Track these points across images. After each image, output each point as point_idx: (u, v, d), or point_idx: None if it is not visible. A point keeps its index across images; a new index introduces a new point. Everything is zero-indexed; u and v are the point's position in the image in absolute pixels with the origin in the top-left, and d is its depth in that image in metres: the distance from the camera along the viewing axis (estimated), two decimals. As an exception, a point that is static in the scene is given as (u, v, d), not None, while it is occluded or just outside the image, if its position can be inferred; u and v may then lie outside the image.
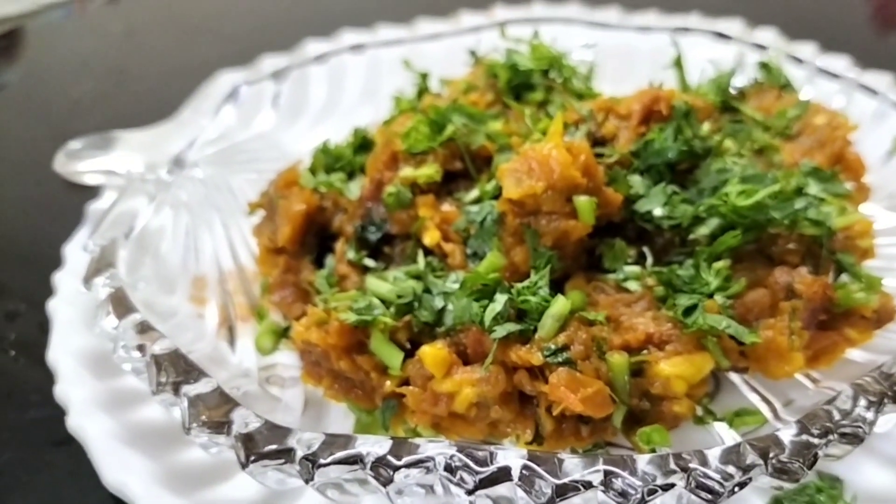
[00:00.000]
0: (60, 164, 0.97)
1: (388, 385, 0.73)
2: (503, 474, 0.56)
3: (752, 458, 0.56)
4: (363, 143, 0.96)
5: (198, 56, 1.68)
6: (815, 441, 0.57)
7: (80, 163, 0.97)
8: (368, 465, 0.57)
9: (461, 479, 0.56)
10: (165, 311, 0.80)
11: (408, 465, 0.56)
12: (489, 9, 1.31)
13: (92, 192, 1.05)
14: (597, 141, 0.87)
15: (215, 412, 0.62)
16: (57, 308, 0.89)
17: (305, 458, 0.58)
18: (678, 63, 1.03)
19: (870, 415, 0.59)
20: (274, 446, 0.59)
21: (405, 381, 0.73)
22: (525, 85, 0.99)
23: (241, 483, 0.71)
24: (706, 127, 0.88)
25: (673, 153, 0.82)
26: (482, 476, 0.55)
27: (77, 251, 0.95)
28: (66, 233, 1.01)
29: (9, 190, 1.32)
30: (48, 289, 0.93)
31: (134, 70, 1.69)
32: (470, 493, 0.56)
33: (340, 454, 0.57)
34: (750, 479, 0.55)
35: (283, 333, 0.87)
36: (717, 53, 1.14)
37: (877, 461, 0.71)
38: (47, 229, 1.17)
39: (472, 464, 0.56)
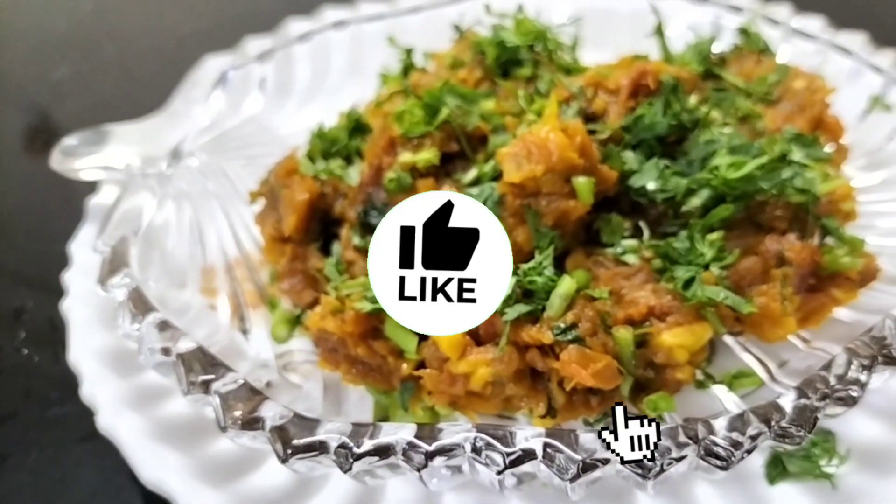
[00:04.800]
0: (57, 163, 0.97)
1: (405, 368, 0.76)
2: (528, 454, 0.60)
3: (755, 425, 0.60)
4: (357, 126, 0.98)
5: (173, 34, 1.66)
6: (815, 405, 0.61)
7: (77, 160, 0.97)
8: (400, 454, 0.60)
9: (490, 459, 0.60)
10: (180, 306, 0.81)
11: (440, 452, 0.60)
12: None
13: (88, 185, 1.05)
14: (588, 117, 0.89)
15: (246, 406, 0.65)
16: (71, 308, 0.90)
17: (341, 446, 0.61)
18: (659, 31, 1.05)
19: (863, 377, 0.64)
20: (310, 439, 0.61)
21: (421, 363, 0.76)
22: (513, 61, 1.00)
23: (271, 470, 0.74)
24: (692, 99, 0.91)
25: (663, 128, 0.85)
26: (512, 458, 0.59)
27: (82, 249, 0.96)
28: (62, 226, 1.01)
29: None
30: (55, 284, 0.93)
31: (110, 51, 1.67)
32: (499, 472, 0.59)
33: (374, 444, 0.60)
34: (756, 445, 0.59)
35: (296, 321, 0.89)
36: (694, 17, 1.16)
37: (867, 414, 0.76)
38: (43, 221, 1.17)
39: (497, 444, 0.60)
